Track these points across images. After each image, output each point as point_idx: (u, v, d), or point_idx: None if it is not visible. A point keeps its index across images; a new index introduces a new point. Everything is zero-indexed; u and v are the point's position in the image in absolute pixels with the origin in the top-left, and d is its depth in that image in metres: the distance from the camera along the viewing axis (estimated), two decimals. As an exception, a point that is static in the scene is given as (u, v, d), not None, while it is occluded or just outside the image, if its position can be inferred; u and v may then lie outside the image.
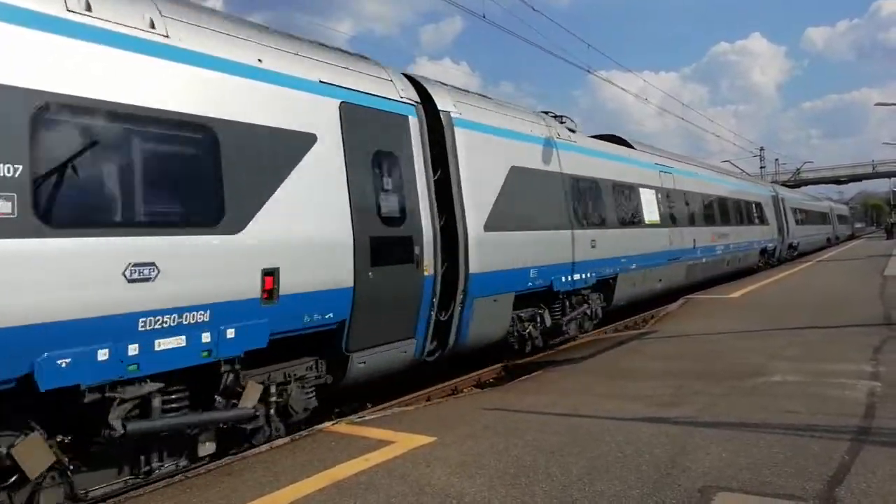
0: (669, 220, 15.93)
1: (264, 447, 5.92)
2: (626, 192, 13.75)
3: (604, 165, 13.00)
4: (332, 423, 6.65)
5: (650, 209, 14.81)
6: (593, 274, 11.75)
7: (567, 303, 11.25)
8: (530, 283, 9.92)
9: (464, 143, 8.73)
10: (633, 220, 13.94)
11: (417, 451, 5.52)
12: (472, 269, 8.46)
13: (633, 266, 13.47)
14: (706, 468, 4.77)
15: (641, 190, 14.51)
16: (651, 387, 7.52)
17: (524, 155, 10.20)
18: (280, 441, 6.07)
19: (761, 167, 67.31)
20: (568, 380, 8.39)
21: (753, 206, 25.44)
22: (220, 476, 5.18)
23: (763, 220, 26.78)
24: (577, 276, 11.17)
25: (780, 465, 4.73)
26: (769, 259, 28.24)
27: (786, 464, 4.76)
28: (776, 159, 72.91)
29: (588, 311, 11.97)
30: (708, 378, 7.77)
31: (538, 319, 10.52)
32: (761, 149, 67.72)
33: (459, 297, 8.35)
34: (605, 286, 12.60)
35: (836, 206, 62.38)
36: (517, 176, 9.77)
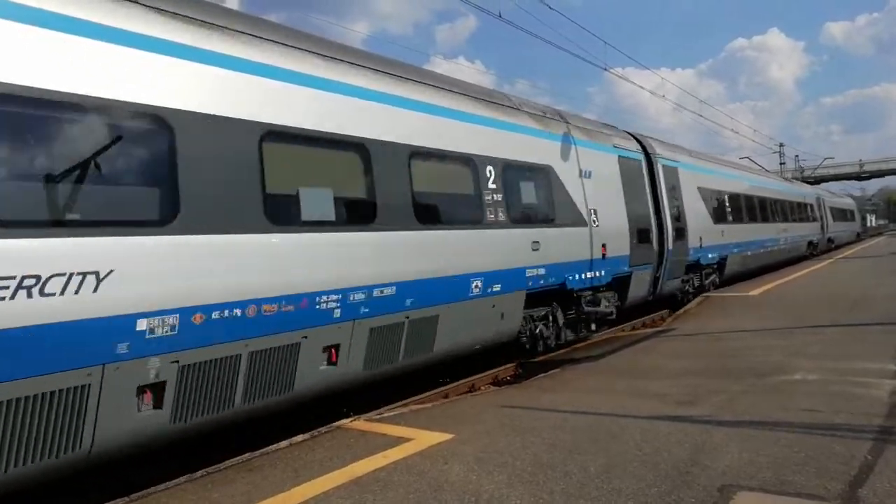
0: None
1: (284, 443, 5.98)
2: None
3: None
4: (350, 419, 6.70)
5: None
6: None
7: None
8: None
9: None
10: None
11: (435, 448, 5.54)
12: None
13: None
14: (726, 467, 4.74)
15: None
16: (669, 385, 7.48)
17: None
18: (299, 437, 6.12)
19: (781, 163, 66.39)
20: (586, 378, 8.37)
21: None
22: (241, 472, 5.24)
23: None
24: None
25: (802, 465, 4.69)
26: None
27: (807, 463, 4.72)
28: (796, 156, 71.60)
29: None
30: (727, 376, 7.71)
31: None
32: (781, 145, 66.75)
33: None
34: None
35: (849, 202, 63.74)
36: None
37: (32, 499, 5.16)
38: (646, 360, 9.26)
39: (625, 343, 10.82)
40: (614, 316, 12.16)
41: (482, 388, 9.26)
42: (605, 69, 21.45)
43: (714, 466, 4.76)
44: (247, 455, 5.69)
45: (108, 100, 4.99)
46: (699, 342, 10.47)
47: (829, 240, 37.53)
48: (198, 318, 5.27)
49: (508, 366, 10.37)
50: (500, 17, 15.49)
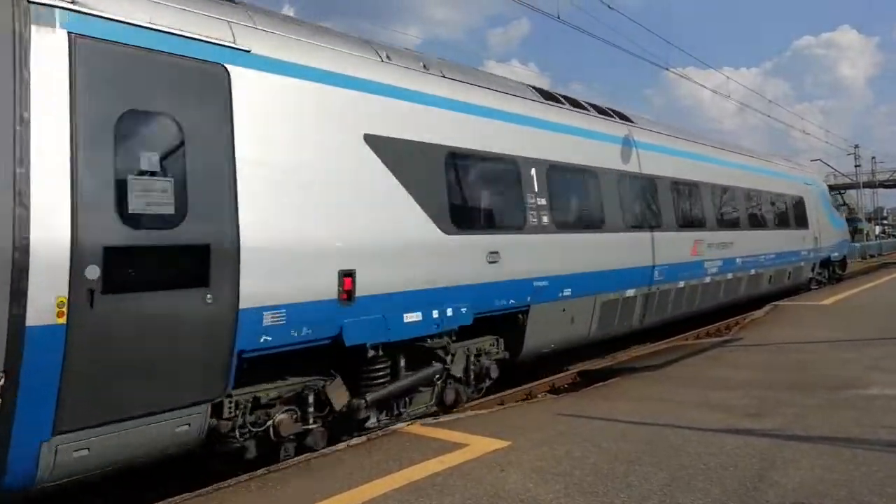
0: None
1: (341, 445, 6.06)
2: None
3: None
4: (406, 424, 6.73)
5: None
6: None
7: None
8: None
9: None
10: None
11: (492, 455, 5.50)
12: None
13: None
14: (797, 484, 4.53)
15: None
16: (735, 396, 7.21)
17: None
18: (356, 440, 6.19)
19: (856, 166, 63.26)
20: (646, 387, 8.16)
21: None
22: (300, 472, 5.34)
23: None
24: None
25: (880, 485, 4.43)
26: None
27: (885, 483, 4.45)
28: (872, 157, 67.96)
29: None
30: (797, 389, 7.37)
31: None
32: (856, 146, 63.55)
33: None
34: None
35: None
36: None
37: (95, 490, 5.40)
38: (710, 370, 8.95)
39: (687, 352, 10.49)
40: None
41: (539, 395, 9.15)
42: (666, 69, 20.97)
43: (784, 483, 4.55)
44: (306, 455, 5.79)
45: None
46: (767, 353, 10.05)
47: (827, 262, 21.49)
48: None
49: (566, 373, 10.22)
50: (558, 18, 15.37)
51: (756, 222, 15.97)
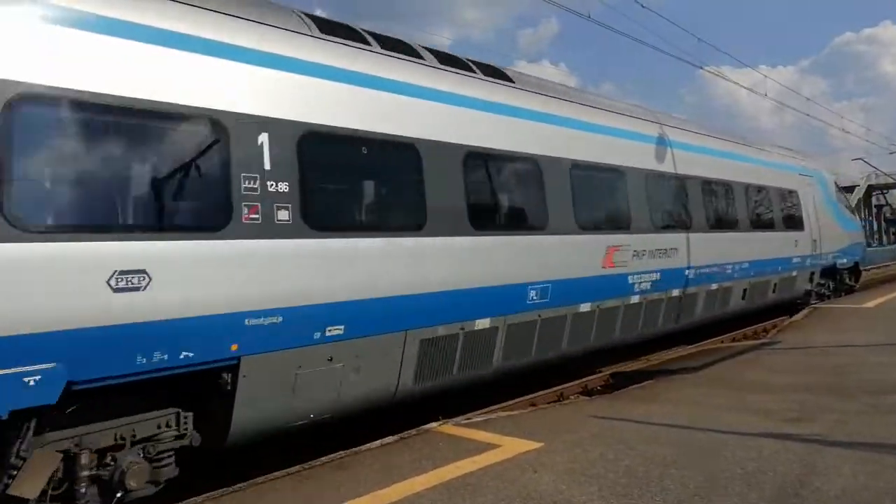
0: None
1: (374, 444, 6.10)
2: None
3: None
4: (438, 423, 6.74)
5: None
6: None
7: None
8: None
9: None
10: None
11: (524, 456, 5.48)
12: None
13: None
14: (839, 490, 4.41)
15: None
16: (773, 400, 7.06)
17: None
18: (389, 438, 6.22)
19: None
20: (682, 390, 8.03)
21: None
22: (334, 469, 5.39)
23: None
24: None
25: (928, 493, 4.29)
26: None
27: (934, 491, 4.31)
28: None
29: None
30: (838, 393, 7.18)
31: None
32: (901, 144, 61.37)
33: None
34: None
35: None
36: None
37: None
38: (747, 373, 8.78)
39: (724, 355, 10.31)
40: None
41: (571, 397, 9.08)
42: (700, 67, 20.63)
43: (826, 490, 4.44)
44: (339, 453, 5.84)
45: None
46: (807, 356, 9.81)
47: (832, 270, 17.54)
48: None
49: (599, 375, 10.12)
50: (588, 17, 15.26)
51: (719, 222, 12.11)
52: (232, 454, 5.82)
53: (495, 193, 8.00)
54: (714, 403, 7.12)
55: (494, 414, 7.40)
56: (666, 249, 10.32)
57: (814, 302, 16.50)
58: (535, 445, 5.75)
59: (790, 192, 15.34)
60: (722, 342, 12.64)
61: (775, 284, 14.35)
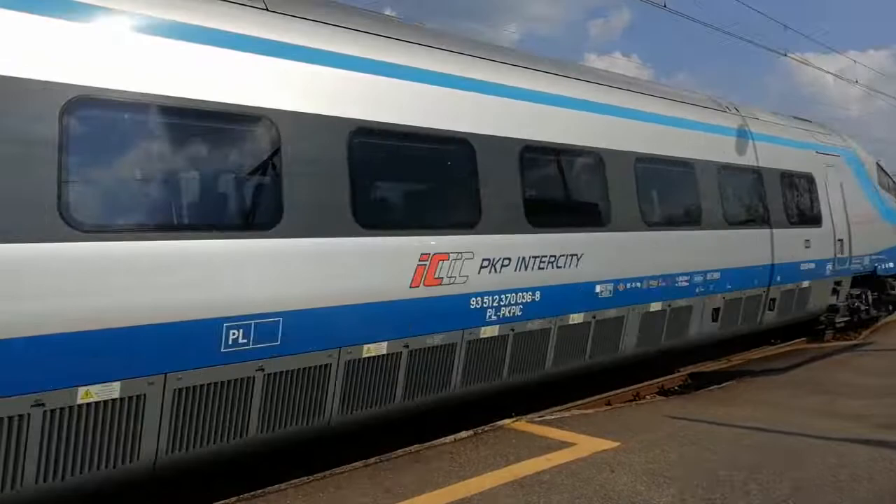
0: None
1: (448, 438, 6.16)
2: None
3: None
4: (512, 420, 6.73)
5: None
6: None
7: None
8: None
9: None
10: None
11: (600, 455, 5.41)
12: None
13: None
14: (943, 503, 4.15)
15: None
16: (866, 405, 6.69)
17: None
18: (463, 434, 6.26)
19: None
20: (766, 392, 7.72)
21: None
22: (411, 462, 5.48)
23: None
24: None
25: None
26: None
27: None
28: None
29: None
30: (941, 400, 6.74)
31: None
32: None
33: None
34: None
35: None
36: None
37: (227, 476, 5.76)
38: (837, 375, 8.35)
39: (811, 356, 9.84)
40: None
41: (647, 396, 8.88)
42: (784, 54, 19.63)
43: (928, 501, 4.18)
44: (416, 446, 5.93)
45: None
46: (903, 359, 9.24)
47: (869, 278, 13.26)
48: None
49: (676, 375, 9.85)
50: (664, 6, 14.82)
51: (667, 217, 8.82)
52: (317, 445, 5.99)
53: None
54: (800, 406, 6.82)
55: (569, 412, 7.33)
56: (553, 256, 7.01)
57: (840, 322, 12.41)
58: (611, 444, 5.67)
59: (799, 175, 11.41)
60: (807, 343, 12.04)
61: (773, 300, 10.47)
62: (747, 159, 10.20)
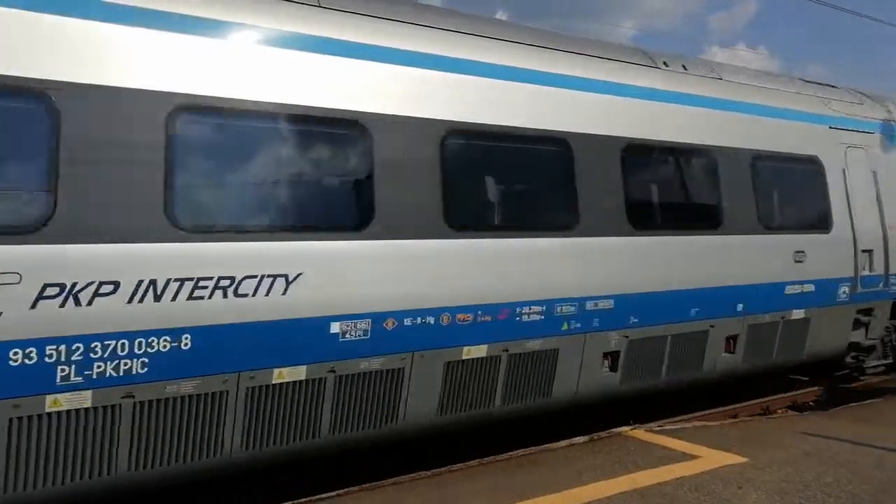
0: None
1: (563, 443, 6.10)
2: None
3: None
4: (630, 427, 6.56)
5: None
6: None
7: None
8: None
9: None
10: None
11: (726, 470, 5.15)
12: None
13: None
14: None
15: None
16: None
17: None
18: (579, 439, 6.18)
19: None
20: (916, 412, 7.03)
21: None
22: (525, 464, 5.48)
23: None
24: None
25: None
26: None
27: None
28: None
29: None
30: None
31: None
32: None
33: None
34: None
35: None
36: None
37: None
38: None
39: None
40: None
41: (778, 411, 8.34)
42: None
43: None
44: (531, 448, 5.92)
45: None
46: None
47: None
48: None
49: (810, 389, 9.16)
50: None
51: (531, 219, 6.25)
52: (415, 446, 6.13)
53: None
54: (961, 431, 6.14)
55: (689, 423, 7.03)
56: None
57: (870, 367, 9.18)
58: (738, 459, 5.38)
59: (790, 158, 8.22)
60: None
61: (732, 338, 7.53)
62: (694, 136, 7.29)
